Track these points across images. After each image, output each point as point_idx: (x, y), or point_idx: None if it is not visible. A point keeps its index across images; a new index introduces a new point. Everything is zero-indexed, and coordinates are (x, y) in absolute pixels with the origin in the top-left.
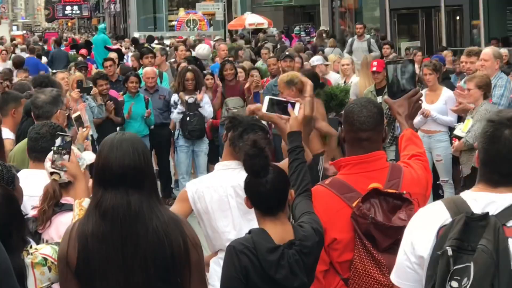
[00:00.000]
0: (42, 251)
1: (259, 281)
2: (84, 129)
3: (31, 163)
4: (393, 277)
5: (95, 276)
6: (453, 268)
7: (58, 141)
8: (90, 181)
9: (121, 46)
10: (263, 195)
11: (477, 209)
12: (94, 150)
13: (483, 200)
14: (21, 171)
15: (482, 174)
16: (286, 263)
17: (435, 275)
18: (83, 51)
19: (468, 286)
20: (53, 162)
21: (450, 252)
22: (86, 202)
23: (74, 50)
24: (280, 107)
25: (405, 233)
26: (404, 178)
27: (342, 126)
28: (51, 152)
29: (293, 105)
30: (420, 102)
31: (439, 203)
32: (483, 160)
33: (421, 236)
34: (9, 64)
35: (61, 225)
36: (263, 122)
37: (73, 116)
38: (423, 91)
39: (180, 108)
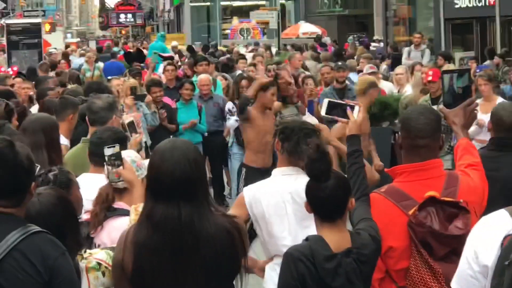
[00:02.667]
0: (97, 256)
1: None
2: (137, 135)
3: (92, 167)
4: (454, 286)
5: (148, 285)
6: None
7: (107, 152)
8: None
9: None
10: (322, 200)
11: None
12: (147, 157)
13: None
14: (82, 175)
15: None
16: (343, 271)
17: (501, 285)
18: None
19: None
20: (107, 176)
21: None
22: (141, 207)
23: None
24: (339, 110)
25: (468, 241)
26: (461, 186)
27: (399, 133)
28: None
29: (352, 108)
30: (475, 111)
31: (503, 211)
32: None
33: (485, 244)
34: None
35: (113, 230)
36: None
37: (126, 121)
38: (478, 101)
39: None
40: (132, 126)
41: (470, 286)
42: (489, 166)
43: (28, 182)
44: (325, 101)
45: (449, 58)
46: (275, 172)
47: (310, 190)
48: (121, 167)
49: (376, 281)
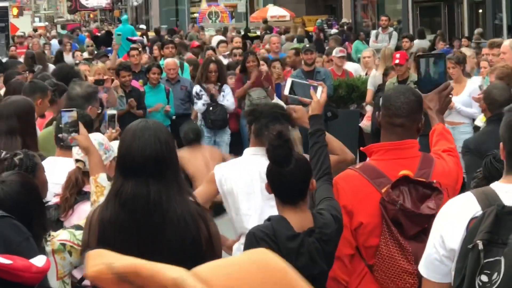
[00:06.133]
0: (60, 237)
1: None
2: (114, 131)
3: (58, 150)
4: (422, 269)
5: None
6: (484, 262)
7: (64, 119)
8: None
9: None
10: (284, 184)
11: (508, 201)
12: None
13: None
14: (47, 158)
15: (510, 165)
16: (306, 250)
17: (464, 268)
18: None
19: (499, 281)
20: (62, 140)
21: (480, 246)
22: (101, 178)
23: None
24: (302, 90)
25: (434, 225)
26: (435, 168)
27: (377, 113)
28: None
29: (315, 88)
30: (450, 96)
31: (469, 194)
32: (508, 151)
33: (451, 228)
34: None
35: (84, 213)
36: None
37: (109, 113)
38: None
39: (205, 99)
40: (112, 120)
41: (437, 269)
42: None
43: None
44: (289, 81)
45: (414, 39)
46: (246, 151)
47: (271, 174)
48: (76, 134)
49: (346, 257)
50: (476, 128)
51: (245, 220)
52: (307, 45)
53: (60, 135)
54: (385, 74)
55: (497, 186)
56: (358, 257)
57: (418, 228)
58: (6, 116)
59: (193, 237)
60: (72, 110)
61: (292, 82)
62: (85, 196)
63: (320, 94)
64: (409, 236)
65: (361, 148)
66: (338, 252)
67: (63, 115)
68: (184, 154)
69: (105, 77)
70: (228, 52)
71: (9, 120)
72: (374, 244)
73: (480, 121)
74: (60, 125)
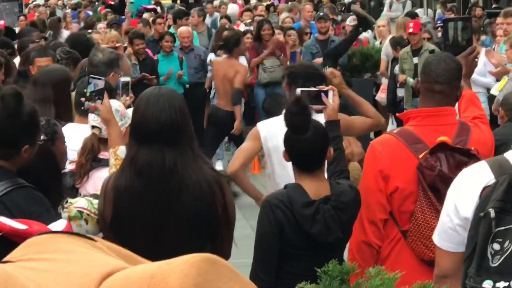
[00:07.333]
0: (77, 205)
1: (294, 236)
2: (128, 98)
3: (77, 117)
4: (436, 239)
5: (126, 232)
6: (495, 230)
7: (91, 87)
8: None
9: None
10: (302, 152)
11: None
12: None
13: None
14: (67, 125)
15: None
16: (321, 217)
17: (476, 236)
18: None
19: (511, 248)
20: (83, 105)
21: (492, 214)
22: (120, 150)
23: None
24: (313, 97)
25: (448, 194)
26: (472, 136)
27: (416, 79)
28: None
29: (326, 93)
30: (476, 60)
31: (483, 163)
32: None
33: (465, 197)
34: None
35: (99, 180)
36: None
37: (121, 80)
38: None
39: None
40: (126, 87)
41: (451, 238)
42: None
43: (24, 139)
44: (298, 91)
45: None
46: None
47: (288, 142)
48: (99, 102)
49: (380, 221)
50: (491, 97)
51: (291, 174)
52: (321, 13)
53: (82, 99)
54: (394, 48)
55: (510, 155)
56: (392, 222)
57: None
58: (42, 83)
59: (208, 204)
60: (101, 79)
61: (301, 91)
62: (101, 163)
63: (331, 98)
64: None
65: (397, 114)
66: (372, 217)
67: (90, 81)
68: None
69: (117, 45)
70: (249, 20)
71: (45, 88)
72: (409, 210)
73: (496, 90)
74: (85, 91)
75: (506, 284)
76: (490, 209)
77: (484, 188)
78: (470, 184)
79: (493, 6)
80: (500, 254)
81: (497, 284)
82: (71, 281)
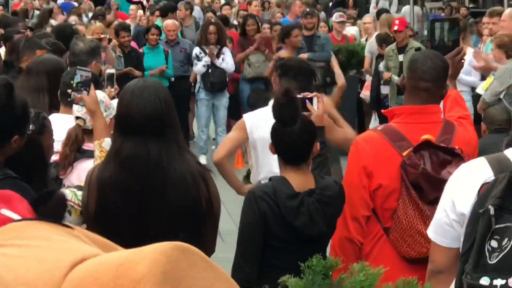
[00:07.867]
0: None
1: (278, 228)
2: (113, 90)
3: (62, 107)
4: (431, 233)
5: (110, 224)
6: (494, 227)
7: (77, 78)
8: None
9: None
10: (288, 144)
11: None
12: None
13: None
14: (52, 115)
15: None
16: (306, 210)
17: (474, 233)
18: None
19: (509, 246)
20: (69, 96)
21: (492, 211)
22: (106, 142)
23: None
24: None
25: (445, 190)
26: (456, 135)
27: (401, 76)
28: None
29: (310, 100)
30: (463, 61)
31: (482, 159)
32: None
33: (463, 192)
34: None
35: (83, 171)
36: None
37: (107, 72)
38: None
39: (206, 60)
40: (111, 79)
41: (446, 234)
42: None
43: (14, 129)
44: None
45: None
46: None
47: (275, 133)
48: (85, 93)
49: (362, 218)
50: (476, 97)
51: (274, 164)
52: (307, 9)
53: (68, 91)
54: (379, 45)
55: (510, 152)
56: (374, 219)
57: (438, 193)
58: (36, 72)
59: (193, 196)
60: (87, 71)
61: None
62: (85, 154)
63: (316, 105)
64: (428, 201)
65: (382, 111)
66: (355, 213)
67: (77, 72)
68: None
69: (102, 36)
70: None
71: (39, 77)
72: (392, 207)
73: (481, 89)
74: (71, 82)
75: (503, 281)
76: (490, 206)
77: (482, 185)
78: (469, 180)
79: (470, 5)
80: (498, 252)
81: (494, 281)
82: (43, 266)
